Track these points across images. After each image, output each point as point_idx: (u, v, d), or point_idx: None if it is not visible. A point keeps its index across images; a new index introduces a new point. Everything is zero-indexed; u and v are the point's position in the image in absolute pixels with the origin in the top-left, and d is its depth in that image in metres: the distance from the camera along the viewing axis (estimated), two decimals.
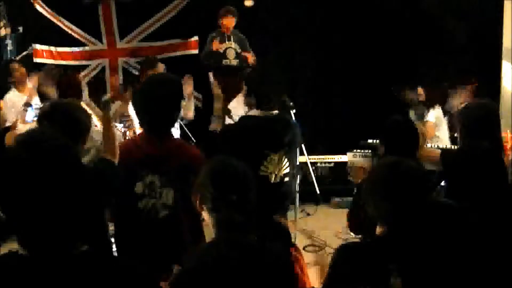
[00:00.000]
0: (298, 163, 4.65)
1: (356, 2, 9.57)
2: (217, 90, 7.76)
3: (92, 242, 1.94)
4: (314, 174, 8.19)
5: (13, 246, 1.90)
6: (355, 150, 7.98)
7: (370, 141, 7.53)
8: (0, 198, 1.83)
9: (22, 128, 5.79)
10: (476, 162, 3.97)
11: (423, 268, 2.41)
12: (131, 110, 6.74)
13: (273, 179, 4.05)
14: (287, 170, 4.12)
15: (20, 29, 9.27)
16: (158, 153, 3.48)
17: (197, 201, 2.52)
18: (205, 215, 2.52)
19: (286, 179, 4.14)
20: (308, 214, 8.05)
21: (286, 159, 4.10)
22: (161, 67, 7.21)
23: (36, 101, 6.59)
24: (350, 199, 4.62)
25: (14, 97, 7.81)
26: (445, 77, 8.53)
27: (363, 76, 8.94)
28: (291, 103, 7.00)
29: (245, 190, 2.46)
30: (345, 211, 3.99)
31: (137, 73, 10.25)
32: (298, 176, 6.18)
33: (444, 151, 4.49)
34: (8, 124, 7.20)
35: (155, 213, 3.48)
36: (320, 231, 6.51)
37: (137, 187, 3.47)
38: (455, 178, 4.12)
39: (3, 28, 9.08)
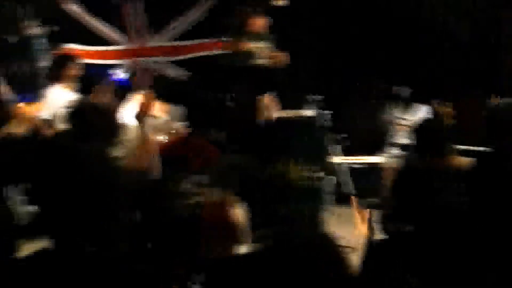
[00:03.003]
0: (329, 165, 4.63)
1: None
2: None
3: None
4: (345, 175, 8.16)
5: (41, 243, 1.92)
6: (386, 151, 8.00)
7: (401, 141, 7.51)
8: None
9: None
10: None
11: (440, 265, 2.41)
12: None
13: (297, 181, 4.04)
14: (315, 173, 4.11)
15: (49, 28, 9.35)
16: (205, 153, 3.51)
17: (227, 196, 2.56)
18: (234, 210, 2.55)
19: (315, 182, 4.13)
20: (337, 215, 8.00)
21: (312, 163, 4.09)
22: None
23: None
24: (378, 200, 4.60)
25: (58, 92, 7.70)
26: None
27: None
28: (324, 104, 6.97)
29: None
30: (374, 212, 3.97)
31: (167, 73, 10.33)
32: (329, 177, 6.17)
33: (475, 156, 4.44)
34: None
35: (199, 211, 3.49)
36: (348, 232, 6.47)
37: (183, 185, 3.49)
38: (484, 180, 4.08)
39: (30, 28, 9.17)
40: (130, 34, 10.29)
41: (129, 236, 3.66)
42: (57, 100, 7.07)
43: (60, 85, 7.47)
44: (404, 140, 7.70)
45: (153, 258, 3.32)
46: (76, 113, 3.57)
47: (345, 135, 7.69)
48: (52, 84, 7.64)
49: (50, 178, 1.89)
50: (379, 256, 2.69)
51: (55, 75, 7.73)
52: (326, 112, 6.79)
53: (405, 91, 8.66)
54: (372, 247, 2.77)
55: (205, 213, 3.47)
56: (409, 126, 6.97)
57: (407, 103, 8.59)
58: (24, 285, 1.86)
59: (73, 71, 7.49)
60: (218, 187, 3.46)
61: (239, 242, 2.69)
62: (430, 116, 8.53)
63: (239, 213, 2.80)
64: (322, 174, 4.21)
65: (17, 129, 5.28)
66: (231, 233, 3.55)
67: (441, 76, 9.14)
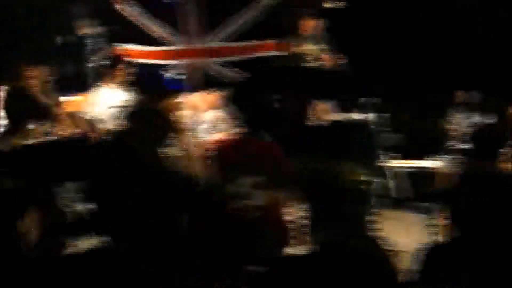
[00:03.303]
0: (383, 168, 4.58)
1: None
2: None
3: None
4: (401, 178, 8.06)
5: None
6: (438, 155, 7.87)
7: (459, 146, 7.40)
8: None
9: None
10: None
11: (499, 272, 2.37)
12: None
13: (344, 185, 4.00)
14: (362, 177, 4.06)
15: (103, 28, 9.43)
16: (253, 156, 3.53)
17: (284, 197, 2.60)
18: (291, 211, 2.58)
19: (369, 186, 4.08)
20: (391, 220, 7.90)
21: (366, 166, 4.05)
22: None
23: None
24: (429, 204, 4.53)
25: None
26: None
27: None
28: (379, 106, 6.90)
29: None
30: (424, 216, 3.92)
31: (221, 74, 10.33)
32: (384, 180, 6.10)
33: None
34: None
35: (245, 214, 3.49)
36: (397, 236, 6.37)
37: (229, 187, 3.50)
38: None
39: (84, 27, 9.27)
40: (184, 35, 10.32)
41: (181, 237, 3.67)
42: (108, 99, 7.15)
43: (112, 85, 7.54)
44: (461, 144, 7.57)
45: (204, 260, 3.32)
46: (132, 113, 3.62)
47: (402, 136, 7.61)
48: (103, 84, 7.72)
49: (103, 178, 1.90)
50: (436, 262, 2.66)
51: (107, 74, 7.81)
52: (383, 115, 6.71)
53: (473, 96, 8.54)
54: (428, 252, 2.73)
55: (261, 214, 3.46)
56: (468, 131, 6.87)
57: (472, 107, 8.47)
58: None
59: (125, 71, 7.55)
60: (273, 188, 3.46)
61: (295, 243, 2.70)
62: (491, 121, 8.39)
63: (296, 213, 2.80)
64: (376, 178, 4.16)
65: (64, 129, 5.33)
66: (287, 234, 3.54)
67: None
